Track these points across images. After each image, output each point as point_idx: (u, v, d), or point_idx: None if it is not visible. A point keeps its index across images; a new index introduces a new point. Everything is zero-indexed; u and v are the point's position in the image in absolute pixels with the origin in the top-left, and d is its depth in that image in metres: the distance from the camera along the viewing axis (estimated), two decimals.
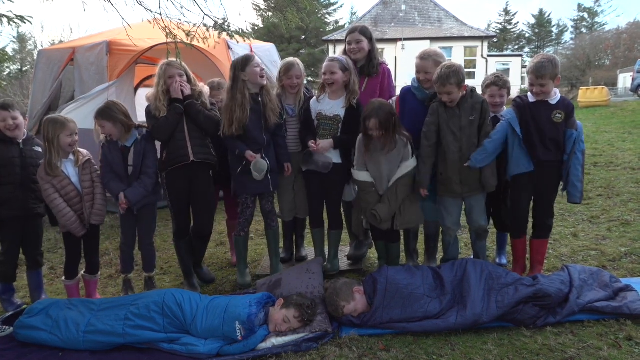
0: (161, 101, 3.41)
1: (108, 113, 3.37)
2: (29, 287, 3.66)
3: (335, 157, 3.59)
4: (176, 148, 3.48)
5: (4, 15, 3.16)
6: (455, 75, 3.15)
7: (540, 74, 3.16)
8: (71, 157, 3.36)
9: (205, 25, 3.39)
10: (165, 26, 3.19)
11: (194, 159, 3.49)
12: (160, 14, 3.20)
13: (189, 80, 3.50)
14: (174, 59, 3.41)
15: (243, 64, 3.46)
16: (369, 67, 3.81)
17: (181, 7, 3.28)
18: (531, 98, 3.30)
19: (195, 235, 3.76)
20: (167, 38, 3.23)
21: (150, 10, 3.28)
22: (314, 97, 3.70)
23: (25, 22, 3.39)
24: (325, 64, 3.58)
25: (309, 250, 4.27)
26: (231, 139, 3.50)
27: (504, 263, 3.81)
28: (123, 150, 3.43)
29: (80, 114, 5.33)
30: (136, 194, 3.38)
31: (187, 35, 3.17)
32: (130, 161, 3.43)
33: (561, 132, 3.24)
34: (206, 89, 3.73)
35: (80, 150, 3.42)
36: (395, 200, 3.37)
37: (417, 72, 3.51)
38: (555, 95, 3.27)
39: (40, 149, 3.53)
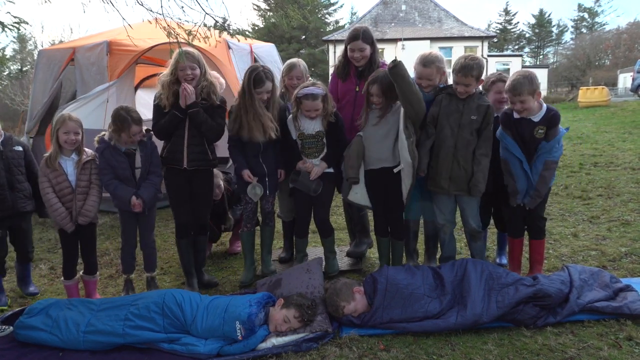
0: (165, 92, 3.40)
1: (140, 118, 3.42)
2: (17, 278, 3.85)
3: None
4: (173, 151, 3.51)
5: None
6: (478, 68, 3.18)
7: (517, 91, 3.15)
8: (74, 156, 3.37)
9: (205, 25, 3.37)
10: (168, 25, 3.17)
11: (187, 166, 3.50)
12: (162, 14, 3.18)
13: (203, 73, 3.45)
14: (190, 49, 3.38)
15: (255, 83, 3.42)
16: (369, 71, 3.70)
17: (182, 7, 3.24)
18: (515, 115, 3.30)
19: (195, 230, 3.74)
20: (169, 38, 3.22)
21: (151, 11, 3.26)
22: (290, 117, 3.62)
23: (20, 29, 3.37)
24: (309, 102, 3.41)
25: (309, 250, 4.27)
26: (234, 149, 3.57)
27: (504, 263, 3.81)
28: (128, 154, 3.43)
29: (80, 114, 5.26)
30: (149, 194, 3.42)
31: (189, 35, 3.16)
32: (138, 164, 3.44)
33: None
34: (221, 82, 3.70)
35: (86, 150, 3.43)
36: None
37: (419, 78, 3.46)
38: (541, 109, 3.24)
39: (21, 148, 3.62)
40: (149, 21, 3.35)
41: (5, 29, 3.11)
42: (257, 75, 3.43)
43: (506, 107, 3.47)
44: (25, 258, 3.78)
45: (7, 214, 3.50)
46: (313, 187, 3.52)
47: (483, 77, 3.37)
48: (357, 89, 3.75)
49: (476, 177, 3.26)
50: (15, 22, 3.17)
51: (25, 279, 3.83)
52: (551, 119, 3.22)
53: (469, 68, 3.16)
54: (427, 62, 3.40)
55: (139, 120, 3.38)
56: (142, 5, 3.22)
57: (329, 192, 3.71)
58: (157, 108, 3.48)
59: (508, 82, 3.24)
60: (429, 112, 3.34)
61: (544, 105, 3.27)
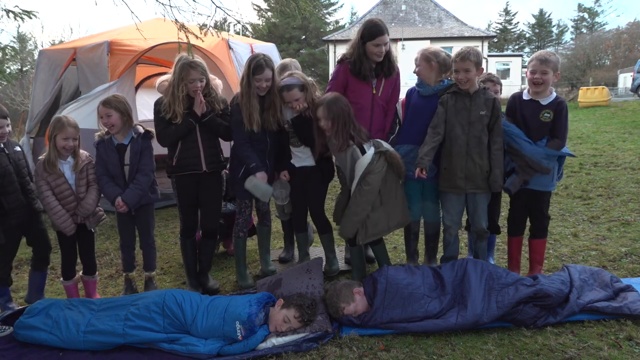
0: (180, 105, 3.34)
1: (116, 103, 3.38)
2: (30, 288, 3.58)
3: (309, 160, 3.60)
4: (188, 156, 3.47)
5: (10, 11, 3.16)
6: (475, 55, 3.22)
7: (544, 59, 3.23)
8: (70, 159, 3.35)
9: (208, 19, 3.37)
10: (176, 20, 3.17)
11: (207, 169, 3.51)
12: (171, 6, 3.19)
13: (207, 83, 3.43)
14: (196, 58, 3.34)
15: (254, 70, 3.36)
16: (388, 67, 3.54)
17: (194, 0, 3.26)
18: (525, 96, 3.35)
19: (203, 234, 3.74)
20: (179, 32, 3.21)
21: (162, 3, 3.25)
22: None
23: (31, 17, 3.39)
24: (285, 94, 3.43)
25: (309, 250, 4.26)
26: (245, 148, 3.49)
27: (491, 263, 3.80)
28: (119, 149, 3.43)
29: (80, 114, 5.34)
30: (133, 196, 3.39)
31: (201, 29, 3.15)
32: (127, 160, 3.43)
33: (548, 132, 3.27)
34: (218, 82, 3.67)
35: (82, 153, 3.41)
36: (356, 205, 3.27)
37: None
38: (550, 94, 3.31)
39: (19, 148, 3.46)
40: (165, 19, 3.31)
41: (17, 18, 3.14)
42: (257, 63, 3.37)
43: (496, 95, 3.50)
44: (43, 262, 3.54)
45: (25, 218, 3.35)
46: (276, 193, 3.65)
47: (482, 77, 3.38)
48: (374, 92, 3.56)
49: (495, 173, 3.28)
50: (25, 12, 3.20)
51: (39, 291, 3.57)
52: (559, 105, 3.27)
53: (466, 54, 3.21)
54: (418, 52, 3.51)
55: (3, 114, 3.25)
56: None
57: (317, 186, 3.70)
58: (162, 119, 3.42)
59: (538, 53, 3.33)
60: (436, 112, 3.35)
61: (554, 92, 3.34)
